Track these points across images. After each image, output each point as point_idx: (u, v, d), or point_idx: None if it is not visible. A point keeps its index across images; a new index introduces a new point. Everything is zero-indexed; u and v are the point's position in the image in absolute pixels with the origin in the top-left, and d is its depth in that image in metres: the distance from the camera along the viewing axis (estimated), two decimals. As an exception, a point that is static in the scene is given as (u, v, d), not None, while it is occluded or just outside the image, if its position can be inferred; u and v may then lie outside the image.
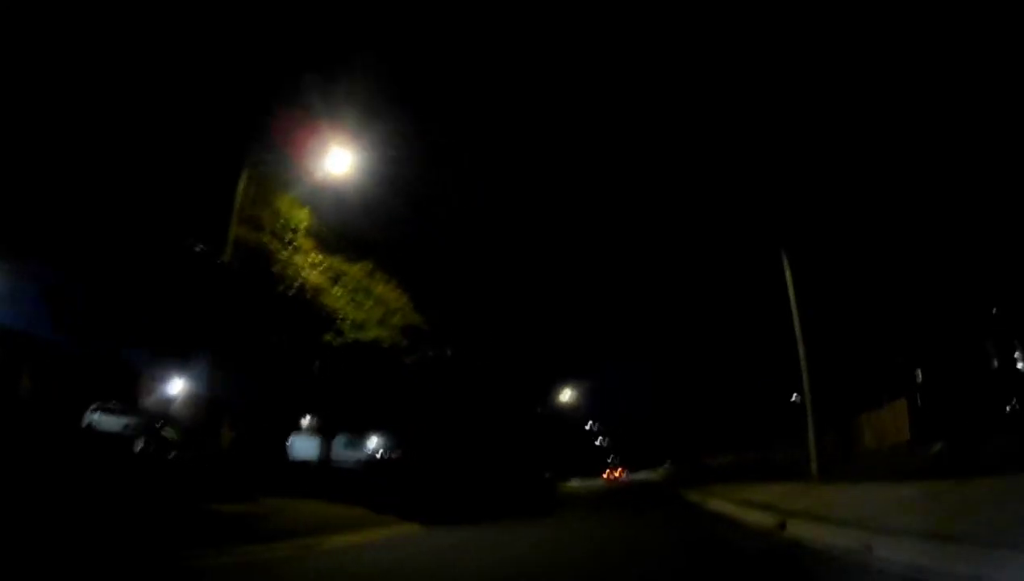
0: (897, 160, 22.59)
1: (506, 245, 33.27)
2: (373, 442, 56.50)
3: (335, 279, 24.66)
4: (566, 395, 65.27)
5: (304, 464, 34.73)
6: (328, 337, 23.74)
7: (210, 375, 22.40)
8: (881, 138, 22.60)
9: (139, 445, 24.32)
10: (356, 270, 25.42)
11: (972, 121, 20.58)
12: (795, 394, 31.85)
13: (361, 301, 25.01)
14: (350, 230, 25.65)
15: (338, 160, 22.41)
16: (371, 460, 51.71)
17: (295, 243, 23.14)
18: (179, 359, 30.05)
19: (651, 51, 25.89)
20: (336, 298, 24.20)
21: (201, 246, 23.06)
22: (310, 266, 23.45)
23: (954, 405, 18.55)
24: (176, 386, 34.34)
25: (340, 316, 24.05)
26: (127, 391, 31.79)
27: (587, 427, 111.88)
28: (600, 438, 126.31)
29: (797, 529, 11.19)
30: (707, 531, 14.45)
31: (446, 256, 30.71)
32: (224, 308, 21.82)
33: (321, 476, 28.80)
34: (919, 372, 22.09)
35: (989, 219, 20.84)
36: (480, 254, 32.81)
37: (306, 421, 47.39)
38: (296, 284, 22.79)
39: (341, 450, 51.96)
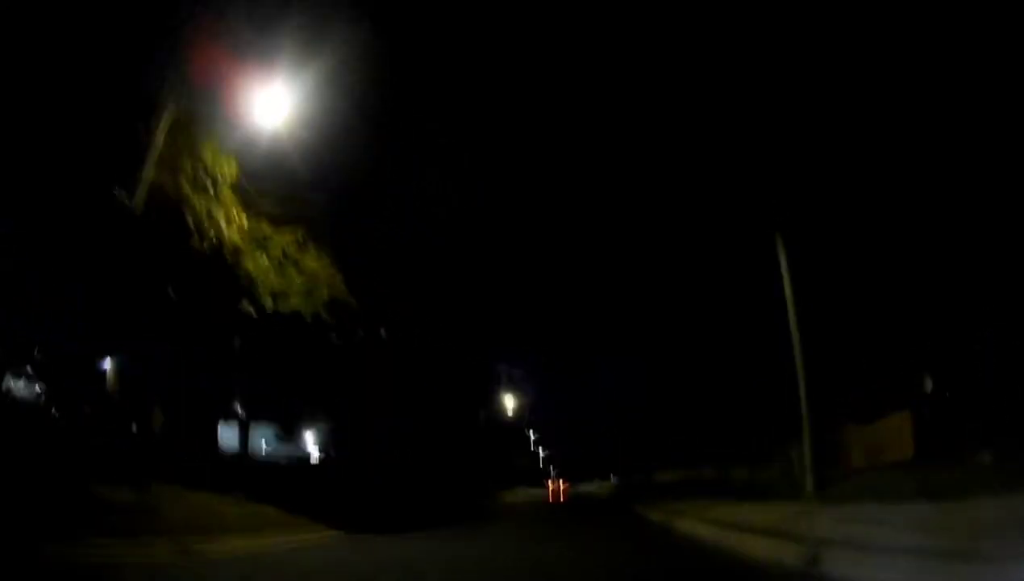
0: (902, 149, 19.87)
1: (463, 228, 30.10)
2: (309, 439, 52.98)
3: (260, 245, 21.06)
4: (509, 402, 62.19)
5: (232, 456, 31.37)
6: (245, 305, 19.98)
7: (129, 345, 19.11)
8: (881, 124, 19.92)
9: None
10: (286, 238, 21.80)
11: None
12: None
13: (291, 275, 21.47)
14: (282, 192, 22.17)
15: (273, 108, 19.02)
16: (301, 456, 48.12)
17: (217, 194, 19.48)
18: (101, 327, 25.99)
19: (639, 35, 23.41)
20: (259, 264, 20.52)
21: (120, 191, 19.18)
22: (231, 223, 19.73)
23: (974, 418, 15.58)
24: (106, 362, 30.60)
25: (260, 283, 20.34)
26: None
27: (530, 438, 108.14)
28: (541, 449, 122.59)
29: (847, 567, 7.77)
30: (701, 564, 10.81)
31: (396, 234, 27.39)
32: (134, 262, 18.30)
33: (238, 468, 25.02)
34: (928, 381, 18.99)
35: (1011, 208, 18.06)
36: (435, 236, 29.58)
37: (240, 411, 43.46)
38: (212, 236, 19.02)
39: (274, 445, 48.47)
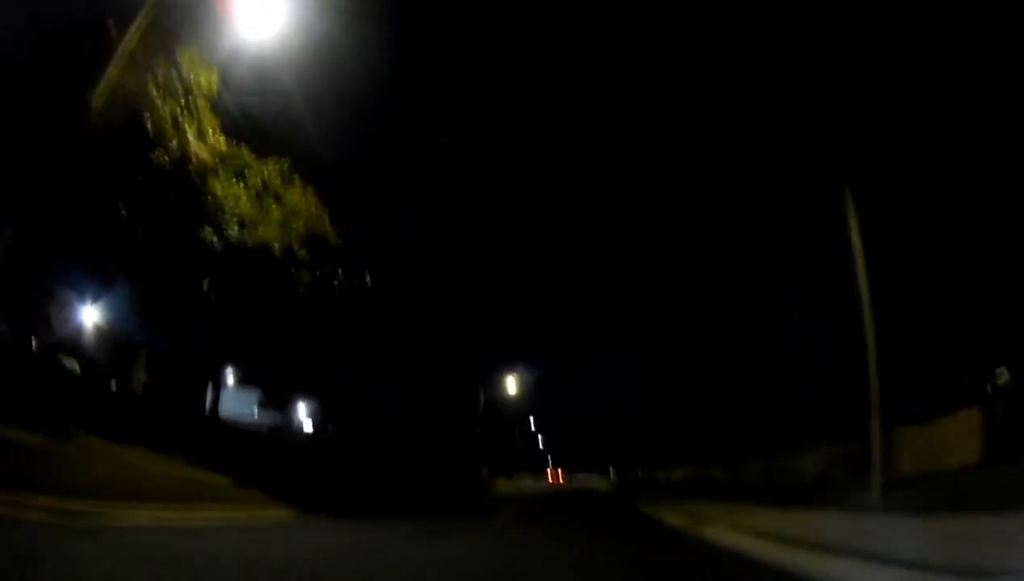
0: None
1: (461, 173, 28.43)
2: (302, 411, 50.02)
3: (238, 172, 18.05)
4: (511, 386, 59.13)
5: (206, 419, 28.56)
6: (208, 234, 16.87)
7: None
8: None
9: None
10: (269, 168, 18.79)
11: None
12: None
13: (269, 207, 18.46)
14: (271, 120, 19.34)
15: (268, 22, 16.02)
16: (288, 426, 45.32)
17: (188, 103, 16.42)
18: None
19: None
20: (230, 188, 17.43)
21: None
22: (202, 138, 16.66)
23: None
24: (88, 314, 27.85)
25: (228, 210, 17.22)
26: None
27: (531, 424, 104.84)
28: (541, 437, 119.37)
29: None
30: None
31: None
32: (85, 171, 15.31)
33: (200, 429, 21.94)
34: (1004, 373, 15.80)
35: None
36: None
37: (231, 376, 40.67)
38: (176, 149, 15.91)
39: (264, 413, 45.61)
